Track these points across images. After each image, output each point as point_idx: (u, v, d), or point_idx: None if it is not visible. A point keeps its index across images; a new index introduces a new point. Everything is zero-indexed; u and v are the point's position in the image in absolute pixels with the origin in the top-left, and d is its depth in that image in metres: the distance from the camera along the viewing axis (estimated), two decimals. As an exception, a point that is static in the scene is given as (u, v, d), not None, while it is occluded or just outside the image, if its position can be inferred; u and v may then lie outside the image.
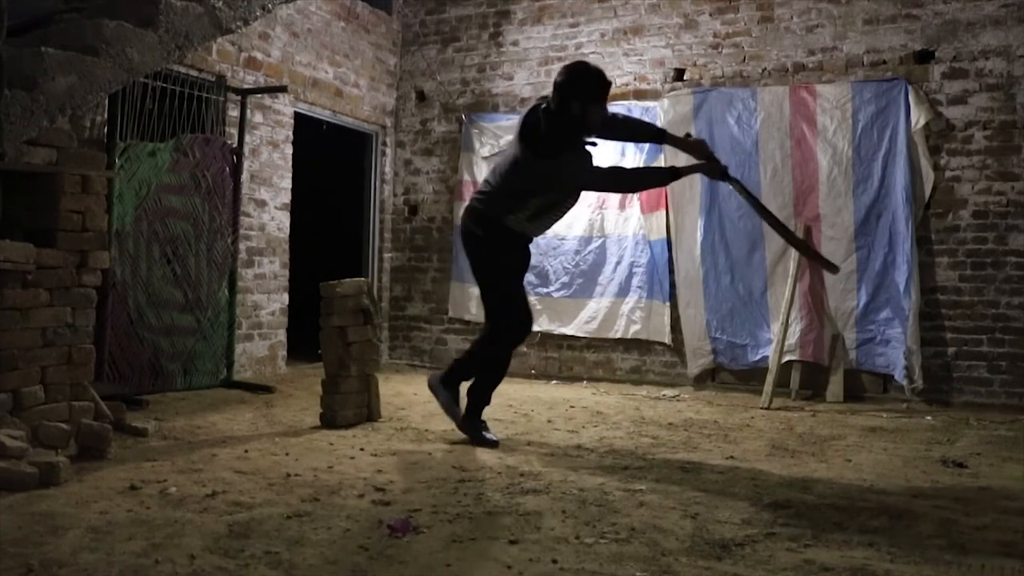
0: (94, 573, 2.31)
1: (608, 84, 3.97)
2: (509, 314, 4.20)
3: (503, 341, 4.27)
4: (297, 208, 6.69)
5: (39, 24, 4.11)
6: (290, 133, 6.55)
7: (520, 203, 4.05)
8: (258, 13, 4.57)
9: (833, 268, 4.29)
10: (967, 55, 5.87)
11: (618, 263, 6.73)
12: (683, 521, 2.94)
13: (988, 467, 3.92)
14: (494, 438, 4.21)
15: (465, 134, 7.35)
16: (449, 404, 4.33)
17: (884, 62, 6.08)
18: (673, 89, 6.67)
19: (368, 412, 4.70)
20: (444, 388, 4.34)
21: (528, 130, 4.01)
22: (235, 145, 5.90)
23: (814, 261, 4.96)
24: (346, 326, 4.61)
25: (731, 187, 4.18)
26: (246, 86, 6.04)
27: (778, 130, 6.26)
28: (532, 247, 4.11)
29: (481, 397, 4.31)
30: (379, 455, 3.89)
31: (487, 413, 4.34)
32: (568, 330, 6.84)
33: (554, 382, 6.66)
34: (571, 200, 4.19)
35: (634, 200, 6.66)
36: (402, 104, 7.74)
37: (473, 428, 4.24)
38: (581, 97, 3.86)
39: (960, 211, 5.88)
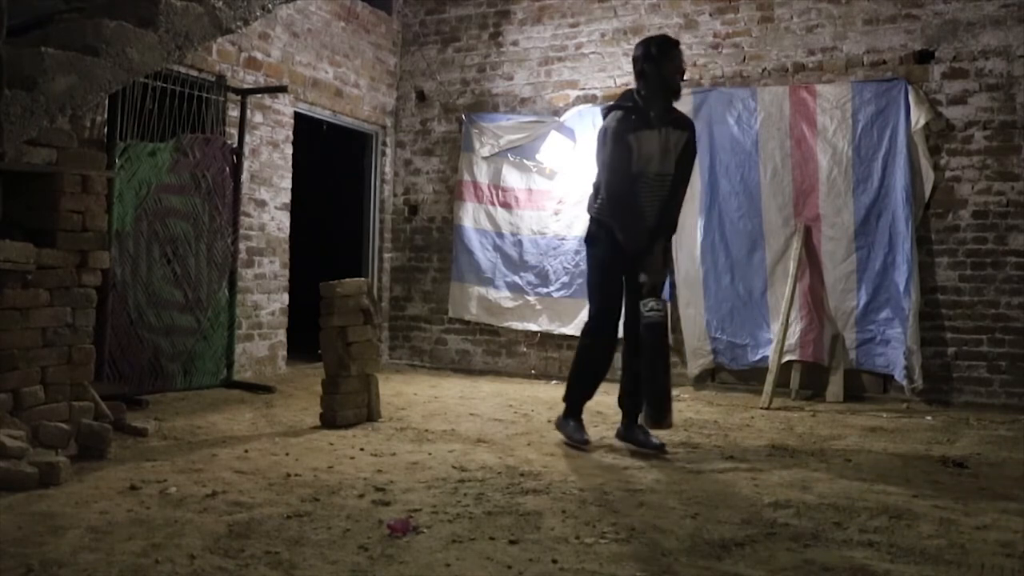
0: (94, 573, 2.31)
1: (671, 41, 4.26)
2: (593, 309, 4.32)
3: (583, 336, 4.37)
4: (297, 208, 6.69)
5: (39, 24, 4.11)
6: (290, 133, 6.55)
7: (595, 190, 4.31)
8: (258, 13, 4.57)
9: None
10: (967, 55, 5.87)
11: (618, 263, 6.72)
12: (683, 521, 2.94)
13: (988, 467, 3.92)
14: (582, 437, 4.25)
15: (465, 134, 7.35)
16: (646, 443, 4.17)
17: (884, 62, 6.08)
18: (673, 89, 6.66)
19: (368, 412, 4.70)
20: (633, 430, 4.24)
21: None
22: (235, 145, 5.90)
23: None
24: (346, 326, 4.61)
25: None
26: (246, 86, 6.04)
27: (778, 130, 6.26)
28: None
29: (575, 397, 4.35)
30: (379, 455, 3.89)
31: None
32: (568, 330, 6.83)
33: (554, 382, 6.66)
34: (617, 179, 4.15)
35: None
36: (402, 104, 7.74)
37: (565, 426, 4.33)
38: (650, 58, 4.18)
39: (960, 211, 5.88)
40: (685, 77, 4.28)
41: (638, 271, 4.14)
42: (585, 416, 5.10)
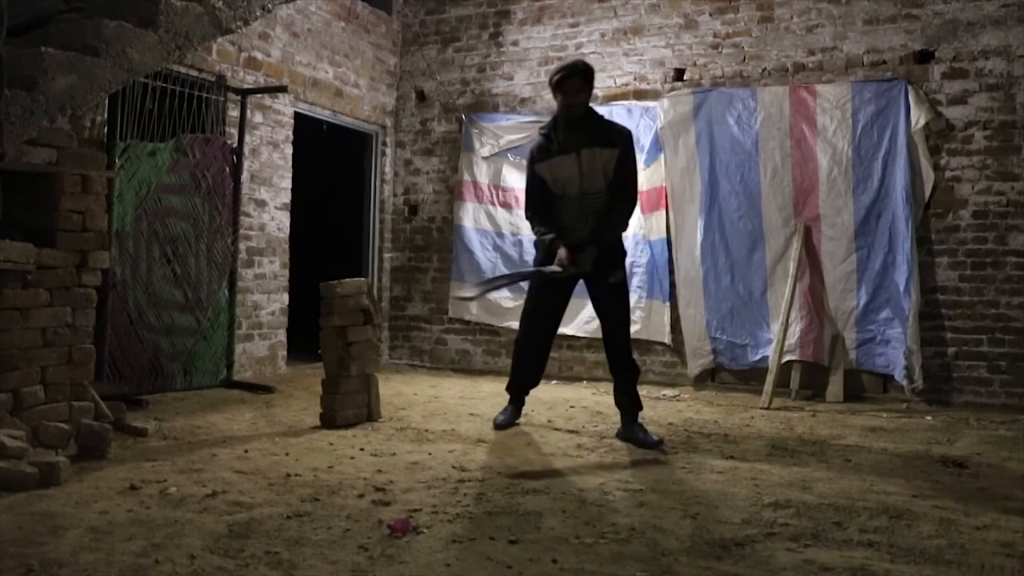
0: (94, 573, 2.31)
1: (571, 69, 4.30)
2: (524, 309, 4.72)
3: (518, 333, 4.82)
4: (297, 208, 6.68)
5: (39, 24, 4.11)
6: (290, 133, 6.55)
7: None
8: (258, 13, 4.57)
9: None
10: (967, 55, 5.87)
11: (618, 263, 6.72)
12: (683, 521, 2.94)
13: (988, 467, 3.92)
14: (497, 420, 4.70)
15: (465, 134, 7.35)
16: (646, 440, 4.26)
17: (884, 62, 6.08)
18: (673, 89, 6.67)
19: (368, 412, 4.70)
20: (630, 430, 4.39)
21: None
22: (235, 145, 5.90)
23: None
24: (346, 326, 4.61)
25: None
26: (246, 86, 6.04)
27: (778, 130, 6.25)
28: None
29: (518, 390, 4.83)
30: (379, 455, 3.89)
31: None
32: (568, 330, 6.81)
33: (554, 382, 6.66)
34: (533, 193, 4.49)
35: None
36: (402, 104, 7.74)
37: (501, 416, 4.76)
38: (551, 85, 4.36)
39: (960, 211, 5.88)
40: (578, 104, 4.31)
41: (600, 281, 4.38)
42: (585, 416, 5.14)
